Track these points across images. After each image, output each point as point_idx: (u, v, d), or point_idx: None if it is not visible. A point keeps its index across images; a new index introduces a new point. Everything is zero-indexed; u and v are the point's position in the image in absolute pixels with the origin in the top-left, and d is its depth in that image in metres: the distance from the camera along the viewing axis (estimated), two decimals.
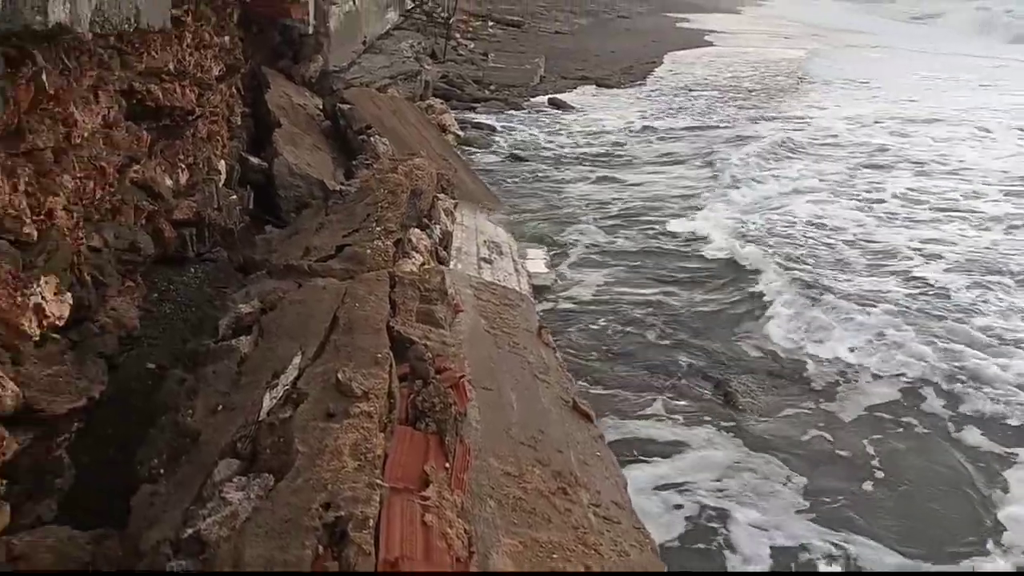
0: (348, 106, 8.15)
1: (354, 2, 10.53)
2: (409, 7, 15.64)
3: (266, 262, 4.00)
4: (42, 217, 3.17)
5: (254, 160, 7.08)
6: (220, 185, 6.30)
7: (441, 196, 6.14)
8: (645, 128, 12.47)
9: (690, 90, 16.54)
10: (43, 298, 2.67)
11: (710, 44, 26.78)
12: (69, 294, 2.88)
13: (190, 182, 5.69)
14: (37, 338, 2.63)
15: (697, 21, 35.91)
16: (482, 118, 11.89)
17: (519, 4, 27.96)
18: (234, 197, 6.38)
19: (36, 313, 2.64)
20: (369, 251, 3.89)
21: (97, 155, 3.99)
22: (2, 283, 2.53)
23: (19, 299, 2.59)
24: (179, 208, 5.34)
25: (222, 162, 6.50)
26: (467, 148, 10.23)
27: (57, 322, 2.78)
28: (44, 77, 3.01)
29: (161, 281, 5.11)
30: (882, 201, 9.19)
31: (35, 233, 2.90)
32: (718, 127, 12.82)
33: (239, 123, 7.35)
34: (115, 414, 3.26)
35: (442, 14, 16.19)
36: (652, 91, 16.33)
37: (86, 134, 3.81)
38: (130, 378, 3.86)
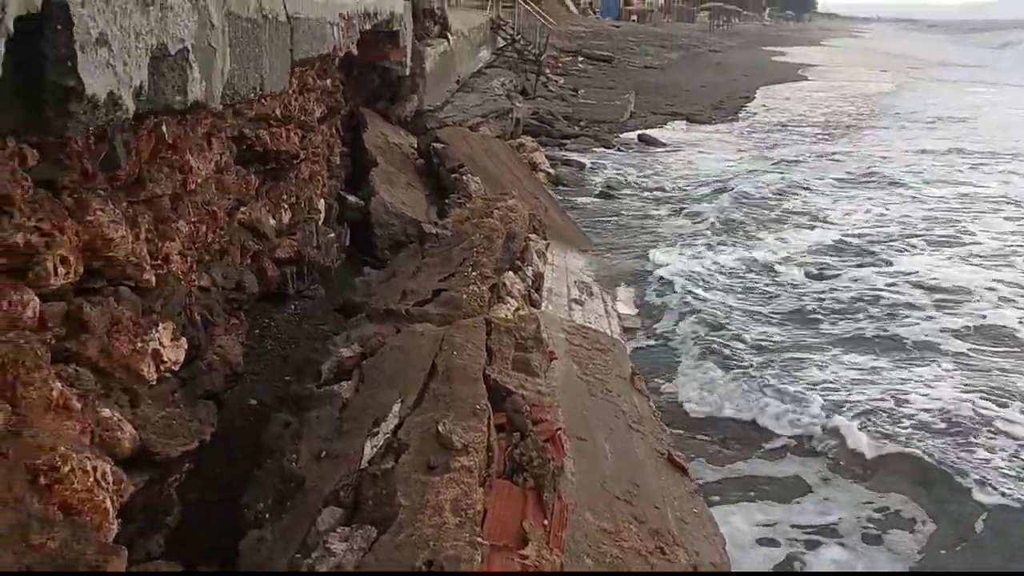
0: (442, 145, 8.30)
1: (449, 43, 10.78)
2: (501, 45, 15.89)
3: (365, 305, 4.09)
4: (159, 262, 3.31)
5: (352, 199, 7.27)
6: (320, 223, 6.49)
7: (533, 237, 6.17)
8: (736, 164, 12.31)
9: (784, 126, 16.26)
10: (161, 344, 2.79)
11: (804, 78, 26.32)
12: (184, 339, 3.00)
13: (292, 221, 5.87)
14: (154, 382, 2.75)
15: (792, 55, 35.41)
16: (572, 155, 11.95)
17: (609, 39, 28.13)
18: (332, 235, 6.56)
19: (154, 358, 2.76)
20: (465, 296, 3.94)
21: (209, 200, 4.16)
22: (124, 329, 2.66)
23: (139, 345, 2.71)
24: (281, 247, 5.52)
25: (322, 201, 6.69)
26: (557, 185, 10.28)
27: (173, 367, 2.90)
28: (164, 128, 3.17)
29: (262, 318, 5.27)
30: None
31: (154, 279, 3.03)
32: (808, 161, 12.54)
33: (338, 162, 7.56)
34: (221, 452, 3.36)
35: (533, 51, 16.39)
36: (745, 127, 16.12)
37: (200, 180, 3.98)
38: (234, 415, 3.98)
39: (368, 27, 5.31)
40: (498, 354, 3.40)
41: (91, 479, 2.32)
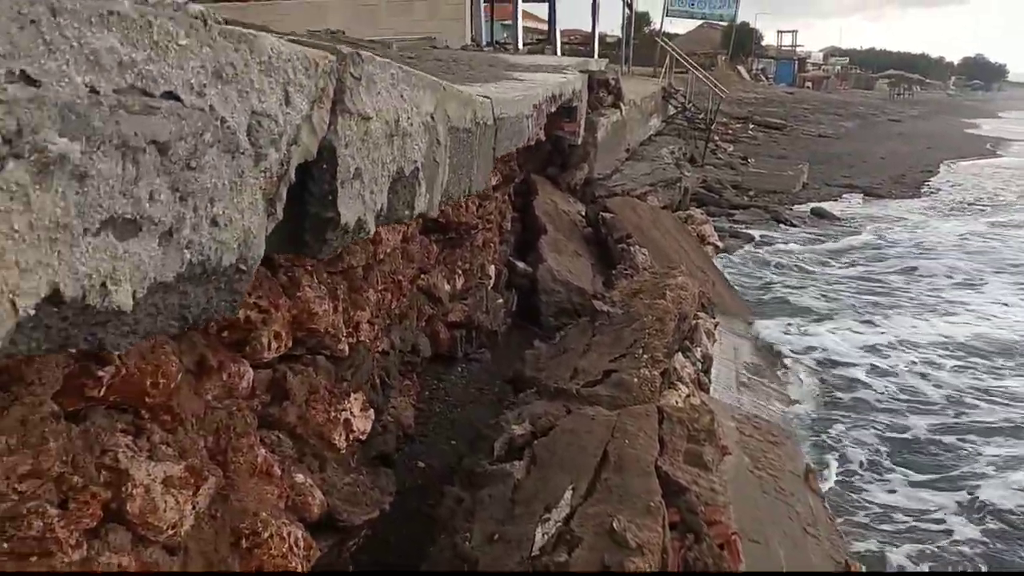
0: (610, 214, 8.35)
1: (622, 112, 10.91)
2: (671, 113, 15.92)
3: (535, 380, 4.13)
4: (350, 331, 3.49)
5: (520, 265, 7.42)
6: (489, 289, 6.67)
7: (702, 315, 6.08)
8: (918, 245, 11.67)
9: (971, 205, 15.28)
10: (352, 414, 2.94)
11: (994, 154, 24.63)
12: (372, 410, 3.14)
13: (465, 287, 6.06)
14: (343, 451, 2.89)
15: (982, 127, 33.35)
16: (741, 227, 11.73)
17: (782, 106, 27.59)
18: (500, 300, 6.71)
19: (345, 427, 2.90)
20: (636, 380, 3.91)
21: (395, 269, 4.36)
22: (320, 399, 2.81)
23: (333, 414, 2.86)
24: (453, 311, 5.69)
25: (492, 267, 6.87)
26: (724, 257, 10.11)
27: (360, 436, 3.03)
28: None
29: (432, 380, 5.43)
30: None
31: (347, 348, 3.20)
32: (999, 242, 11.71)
33: (509, 228, 7.77)
34: (393, 518, 3.46)
35: (703, 118, 16.32)
36: (927, 205, 15.25)
37: (388, 250, 4.19)
38: (403, 477, 4.11)
39: (553, 109, 5.48)
40: (670, 445, 3.35)
41: (286, 545, 2.46)
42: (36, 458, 1.67)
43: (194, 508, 2.26)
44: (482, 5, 15.16)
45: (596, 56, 19.43)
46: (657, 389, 4.01)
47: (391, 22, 13.65)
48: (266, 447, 2.68)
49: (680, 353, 4.88)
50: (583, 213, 8.77)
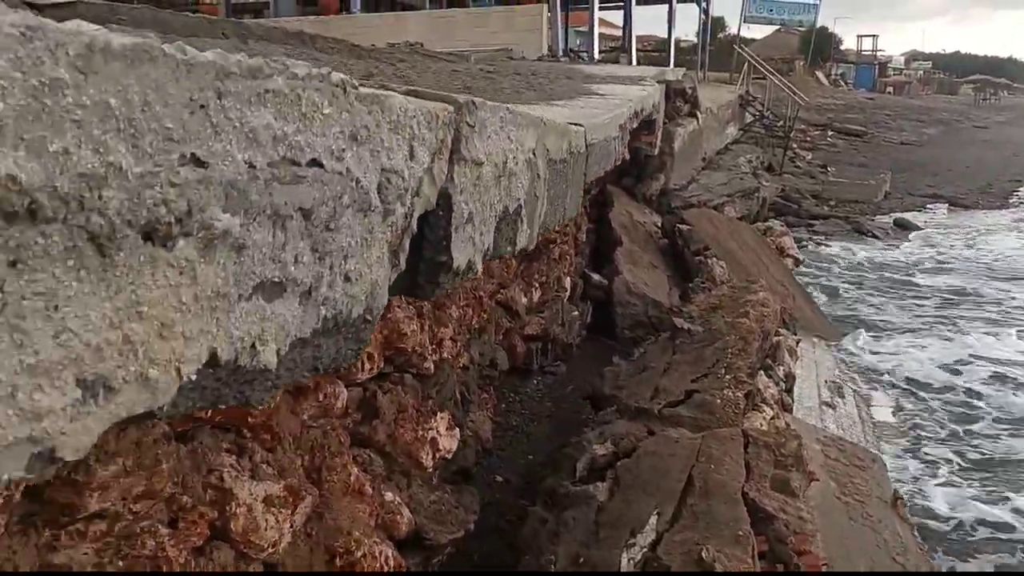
0: (687, 226, 8.28)
1: (698, 121, 10.80)
2: (748, 121, 15.69)
3: (615, 398, 4.13)
4: (434, 347, 3.55)
5: (596, 277, 7.41)
6: (565, 301, 6.67)
7: (783, 332, 5.98)
8: (1007, 258, 11.24)
9: None
10: (438, 432, 2.98)
11: None
12: (457, 429, 3.18)
13: (541, 300, 6.08)
14: (430, 470, 2.93)
15: None
16: (821, 238, 11.49)
17: (862, 112, 26.91)
18: (576, 312, 6.72)
19: (432, 446, 2.95)
20: (719, 401, 3.87)
21: (477, 285, 4.41)
22: (408, 417, 2.86)
23: (420, 433, 2.91)
24: (530, 324, 5.72)
25: (568, 279, 6.88)
26: (804, 270, 9.91)
27: (446, 455, 3.07)
28: None
29: (508, 393, 5.46)
30: None
31: (432, 366, 3.25)
32: None
33: (584, 239, 7.76)
34: (475, 535, 3.49)
35: (781, 126, 16.03)
36: (1017, 217, 14.65)
37: None
38: (482, 491, 4.14)
39: (635, 125, 5.47)
40: (756, 471, 3.31)
41: (378, 563, 2.51)
42: (150, 479, 1.73)
43: (291, 526, 2.33)
44: (559, 15, 15.21)
45: (672, 64, 19.31)
46: (741, 411, 3.96)
47: (468, 34, 13.78)
48: (358, 466, 2.74)
49: (763, 372, 4.81)
50: (659, 224, 8.71)
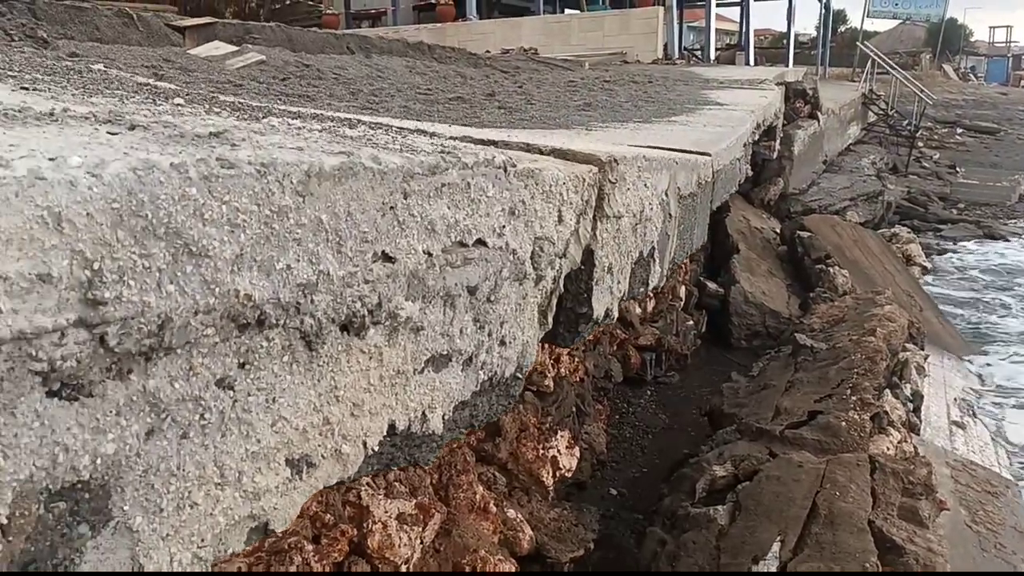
0: (807, 233, 8.07)
1: (819, 123, 10.49)
2: (871, 120, 15.12)
3: (734, 417, 4.09)
4: (552, 362, 3.61)
5: (711, 285, 7.32)
6: (679, 310, 6.63)
7: (911, 347, 5.78)
8: None
9: None
10: (559, 451, 3.04)
11: None
12: (577, 448, 3.24)
13: (655, 309, 6.07)
14: (551, 489, 3.00)
15: None
16: (949, 243, 10.97)
17: (994, 109, 25.42)
18: (690, 322, 6.67)
19: (552, 465, 3.02)
20: (844, 423, 3.79)
21: None
22: (530, 436, 2.94)
23: (541, 451, 2.98)
24: (644, 334, 5.72)
25: (683, 288, 6.83)
26: (932, 279, 9.50)
27: (567, 474, 3.14)
28: None
29: (621, 403, 5.48)
30: None
31: (551, 383, 3.31)
32: None
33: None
34: (593, 551, 3.53)
35: (906, 126, 15.37)
36: None
37: None
38: (595, 503, 4.19)
39: (757, 137, 5.40)
40: (883, 499, 3.24)
41: None
42: None
43: (422, 543, 2.44)
44: (675, 16, 15.01)
45: (791, 62, 18.76)
46: (867, 434, 3.87)
47: (582, 38, 13.78)
48: (482, 483, 2.83)
49: (889, 391, 4.67)
50: (777, 230, 8.53)
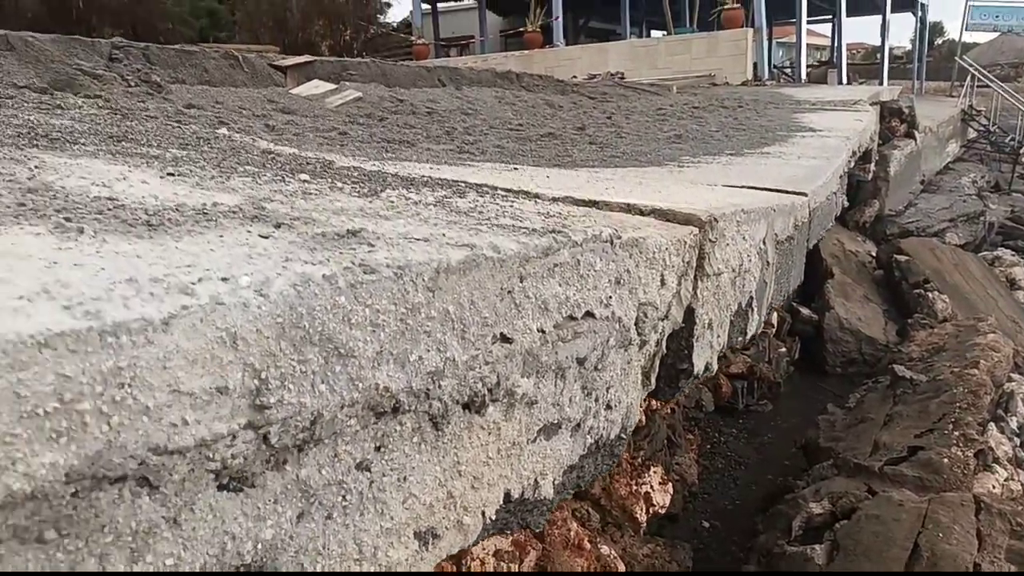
0: (904, 257, 7.84)
1: (916, 142, 10.19)
2: (972, 137, 14.56)
3: (831, 451, 4.01)
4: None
5: (805, 311, 7.18)
6: (772, 337, 6.52)
7: (1016, 378, 5.55)
8: None
9: None
10: (652, 487, 3.05)
11: None
12: (670, 484, 3.23)
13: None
14: (644, 525, 3.01)
15: None
16: None
17: None
18: (783, 349, 6.55)
19: (645, 501, 3.02)
20: (946, 460, 3.68)
21: None
22: (622, 471, 2.95)
23: (634, 487, 2.99)
24: (735, 362, 5.65)
25: (775, 314, 6.71)
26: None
27: (660, 510, 3.13)
28: None
29: (712, 432, 5.41)
30: None
31: (643, 418, 3.32)
32: None
33: None
34: None
35: (1009, 141, 14.74)
36: None
37: None
38: (689, 538, 4.15)
39: (852, 164, 5.30)
40: (989, 540, 3.13)
41: None
42: None
43: None
44: (764, 36, 14.80)
45: (886, 78, 18.25)
46: (971, 472, 3.74)
47: (670, 61, 13.73)
48: (576, 520, 2.86)
49: (993, 424, 4.50)
50: (873, 254, 8.31)
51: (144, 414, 0.59)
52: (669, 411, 4.47)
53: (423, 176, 1.71)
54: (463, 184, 1.59)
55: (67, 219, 0.83)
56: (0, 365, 0.50)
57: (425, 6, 22.29)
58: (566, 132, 4.38)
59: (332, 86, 5.51)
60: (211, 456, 0.64)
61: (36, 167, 1.10)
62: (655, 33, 23.30)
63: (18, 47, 4.30)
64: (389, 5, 21.62)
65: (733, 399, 5.60)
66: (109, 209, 0.91)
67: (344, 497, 0.78)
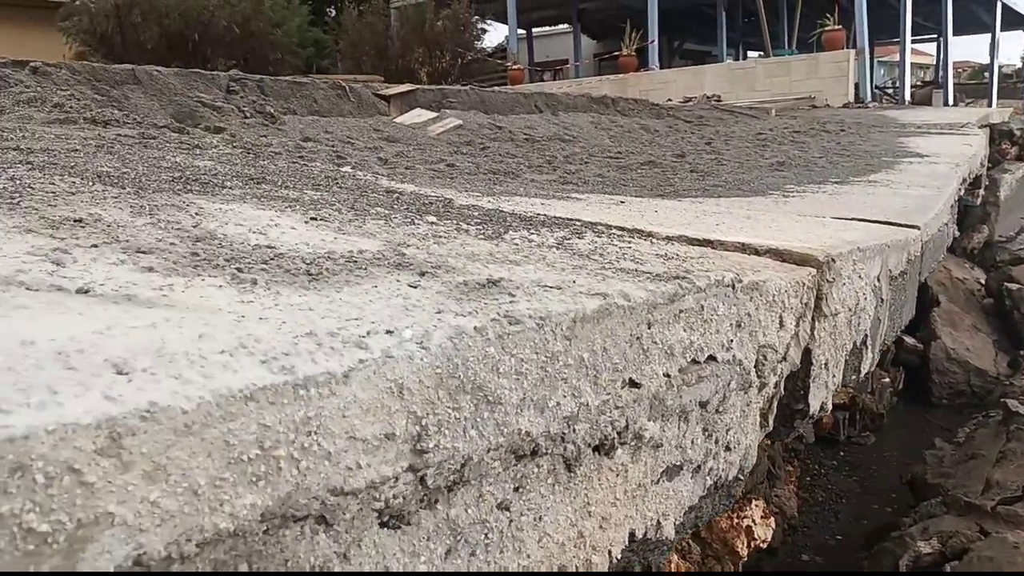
0: (1016, 285, 7.51)
1: None
2: None
3: (939, 488, 3.87)
4: None
5: (909, 340, 6.96)
6: (875, 367, 6.32)
7: None
8: None
9: None
10: (753, 521, 3.01)
11: None
12: (772, 518, 3.18)
13: None
14: (745, 559, 2.97)
15: None
16: None
17: None
18: (886, 379, 6.35)
19: (747, 535, 2.98)
20: None
21: None
22: None
23: (735, 521, 2.95)
24: (837, 393, 5.49)
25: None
26: None
27: (761, 544, 3.09)
28: None
29: (812, 464, 5.28)
30: None
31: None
32: None
33: None
34: None
35: None
36: None
37: None
38: (785, 570, 4.06)
39: (963, 192, 5.14)
40: None
41: None
42: None
43: None
44: (867, 57, 14.42)
45: (995, 99, 17.55)
46: None
47: (768, 83, 13.52)
48: (677, 553, 2.84)
49: None
50: (982, 281, 7.99)
51: (326, 459, 0.64)
52: (770, 442, 4.40)
53: (538, 214, 1.76)
54: (578, 223, 1.64)
55: (239, 269, 0.92)
56: (214, 416, 0.56)
57: (520, 31, 22.61)
58: (665, 159, 4.38)
59: (433, 114, 5.67)
60: (377, 496, 0.69)
61: (196, 213, 1.19)
62: (752, 54, 22.96)
63: (144, 81, 4.58)
64: (485, 31, 22.01)
65: (834, 430, 5.46)
66: (271, 259, 0.99)
67: (487, 535, 0.82)
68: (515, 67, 19.57)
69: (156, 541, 0.54)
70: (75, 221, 1.06)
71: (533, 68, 21.60)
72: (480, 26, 21.19)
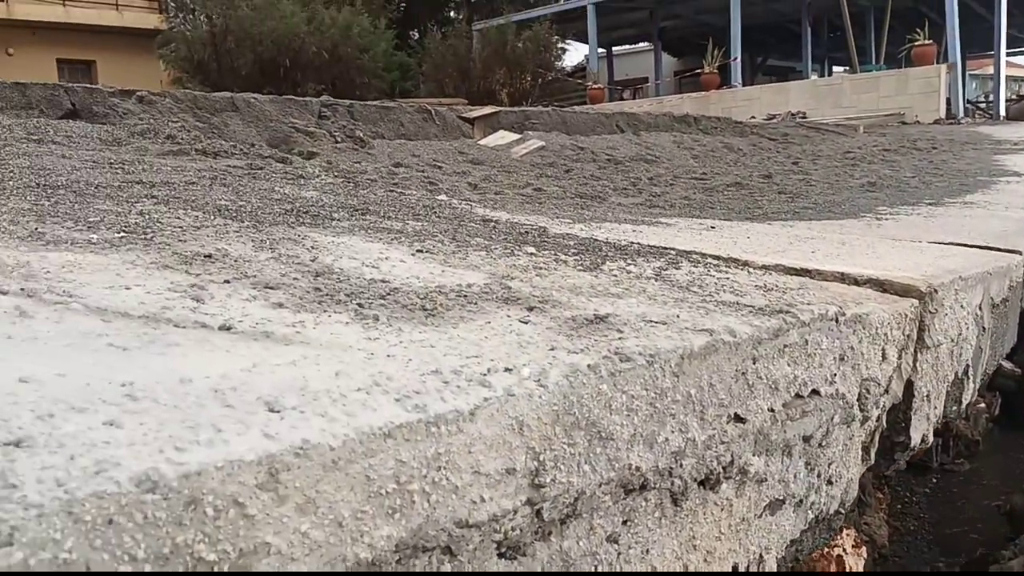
0: None
1: None
2: None
3: None
4: None
5: (1006, 365, 6.66)
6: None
7: None
8: None
9: None
10: (844, 550, 2.93)
11: None
12: (864, 548, 3.10)
13: None
14: None
15: None
16: None
17: None
18: (982, 404, 6.10)
19: (837, 565, 2.91)
20: None
21: None
22: None
23: (826, 550, 2.88)
24: (939, 425, 5.33)
25: None
26: None
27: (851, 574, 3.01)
28: None
29: (903, 491, 5.11)
30: None
31: None
32: None
33: None
34: None
35: None
36: None
37: None
38: None
39: None
40: None
41: None
42: None
43: None
44: (959, 71, 13.95)
45: None
46: None
47: (855, 100, 13.22)
48: None
49: None
50: None
51: (453, 492, 0.68)
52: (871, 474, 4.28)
53: (631, 242, 1.78)
54: (673, 252, 1.65)
55: (360, 305, 0.97)
56: (357, 453, 0.61)
57: (600, 49, 22.67)
58: (752, 180, 4.34)
59: (516, 136, 5.73)
60: (497, 528, 0.72)
61: (312, 247, 1.26)
62: (837, 70, 22.46)
63: (242, 108, 4.77)
64: (565, 51, 22.15)
65: (926, 456, 5.27)
66: (387, 293, 1.04)
67: (596, 568, 0.85)
68: (595, 86, 19.60)
69: (304, 570, 0.58)
70: (205, 256, 1.13)
71: (613, 87, 21.61)
72: (560, 46, 21.35)
